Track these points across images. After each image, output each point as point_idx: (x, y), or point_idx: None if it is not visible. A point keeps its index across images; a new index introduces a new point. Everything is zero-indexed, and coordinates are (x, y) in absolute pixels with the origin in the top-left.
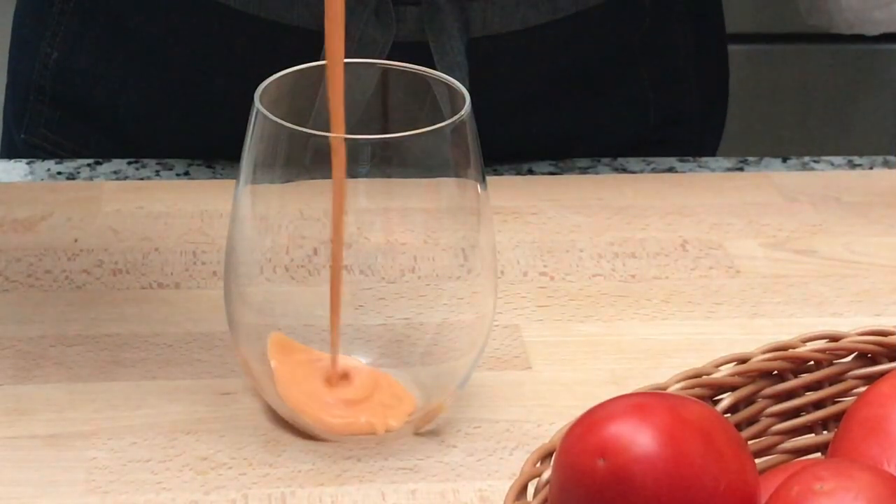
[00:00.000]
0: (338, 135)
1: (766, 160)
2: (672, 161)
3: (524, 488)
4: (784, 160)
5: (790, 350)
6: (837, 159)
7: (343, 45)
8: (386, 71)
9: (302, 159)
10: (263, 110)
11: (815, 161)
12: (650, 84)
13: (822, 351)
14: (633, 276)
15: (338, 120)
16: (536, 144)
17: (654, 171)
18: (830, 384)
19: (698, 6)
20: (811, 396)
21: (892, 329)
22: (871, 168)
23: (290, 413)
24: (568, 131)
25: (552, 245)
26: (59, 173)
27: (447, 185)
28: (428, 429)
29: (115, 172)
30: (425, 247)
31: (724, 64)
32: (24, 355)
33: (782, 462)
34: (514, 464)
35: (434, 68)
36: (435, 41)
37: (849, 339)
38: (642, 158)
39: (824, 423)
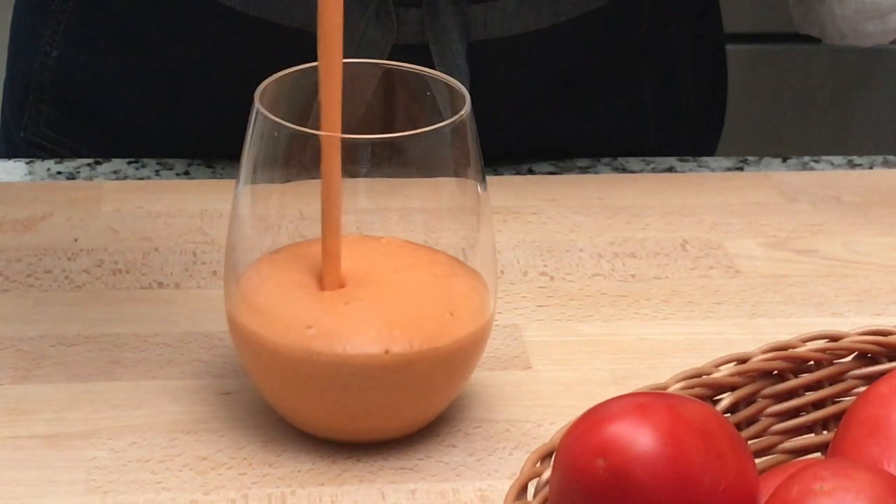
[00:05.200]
0: (337, 134)
1: (766, 160)
2: (672, 161)
3: (524, 488)
4: (784, 160)
5: (790, 350)
6: (837, 159)
7: (341, 40)
8: (386, 71)
9: (302, 159)
10: (263, 110)
11: (815, 161)
12: (649, 86)
13: (822, 351)
14: (633, 276)
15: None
16: (536, 147)
17: (653, 171)
18: (830, 384)
19: (696, 7)
20: (811, 396)
21: (892, 329)
22: (871, 168)
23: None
24: (567, 134)
25: (552, 245)
26: (59, 173)
27: (447, 185)
28: (428, 429)
29: (115, 172)
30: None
31: (722, 65)
32: (24, 355)
33: (782, 462)
34: (514, 464)
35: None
36: (435, 44)
37: (849, 339)
38: (642, 158)
39: (824, 423)
